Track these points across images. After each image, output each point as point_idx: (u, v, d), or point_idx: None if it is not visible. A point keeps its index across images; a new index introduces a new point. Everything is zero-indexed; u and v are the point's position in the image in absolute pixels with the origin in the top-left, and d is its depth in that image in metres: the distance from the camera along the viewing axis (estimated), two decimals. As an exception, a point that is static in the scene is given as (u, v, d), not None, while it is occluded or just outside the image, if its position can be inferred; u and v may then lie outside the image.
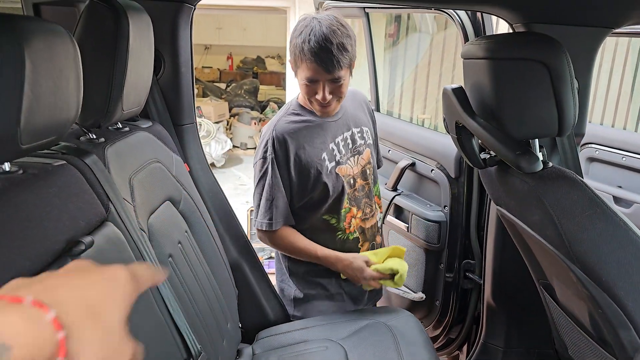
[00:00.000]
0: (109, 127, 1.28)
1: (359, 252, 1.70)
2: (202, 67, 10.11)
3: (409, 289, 2.15)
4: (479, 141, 1.35)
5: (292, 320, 1.70)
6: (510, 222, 1.42)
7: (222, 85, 9.24)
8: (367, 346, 1.43)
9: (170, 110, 1.57)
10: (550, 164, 1.18)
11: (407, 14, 3.92)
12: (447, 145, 1.93)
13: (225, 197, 1.70)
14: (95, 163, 1.01)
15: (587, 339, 1.33)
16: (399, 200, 2.10)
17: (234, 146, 7.35)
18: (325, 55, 1.42)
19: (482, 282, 1.87)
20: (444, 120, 1.36)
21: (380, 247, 1.79)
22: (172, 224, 1.32)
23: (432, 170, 1.98)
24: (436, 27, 3.87)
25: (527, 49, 1.12)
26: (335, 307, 1.71)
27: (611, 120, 3.38)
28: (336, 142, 1.63)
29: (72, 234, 0.81)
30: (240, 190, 5.97)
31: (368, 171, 1.72)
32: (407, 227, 2.06)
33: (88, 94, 1.05)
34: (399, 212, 2.13)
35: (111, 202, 0.99)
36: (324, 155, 1.59)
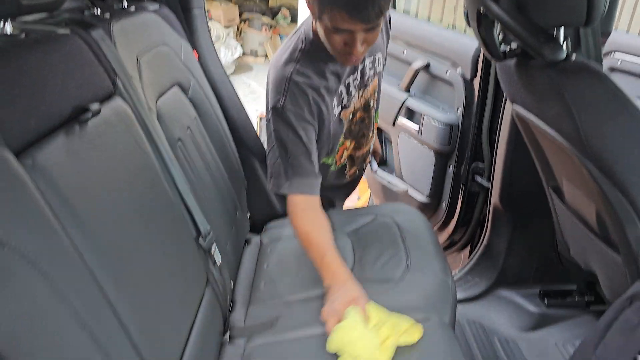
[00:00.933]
0: (114, 5, 1.23)
1: (345, 175, 1.64)
2: (212, -32, 9.66)
3: (393, 182, 2.17)
4: (499, 33, 1.28)
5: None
6: (525, 121, 1.39)
7: (232, -12, 8.85)
8: (373, 239, 1.46)
9: (178, -8, 1.50)
10: (574, 56, 1.13)
11: None
12: (464, 44, 1.85)
13: (234, 88, 1.67)
14: (101, 37, 0.98)
15: (592, 239, 1.35)
16: (411, 103, 2.06)
17: (244, 53, 7.16)
18: (363, 7, 1.11)
19: (490, 185, 1.87)
20: (465, 10, 1.29)
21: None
22: (181, 109, 1.30)
23: (447, 71, 1.91)
24: None
25: None
26: None
27: (638, 28, 3.23)
28: (346, 83, 1.41)
29: (79, 101, 0.80)
30: (250, 98, 5.89)
31: (372, 102, 1.56)
32: (418, 130, 2.03)
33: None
34: (411, 115, 2.10)
35: (118, 77, 0.97)
36: (334, 102, 1.39)
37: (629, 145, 1.03)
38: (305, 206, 1.30)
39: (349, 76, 1.41)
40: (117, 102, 0.93)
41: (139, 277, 0.80)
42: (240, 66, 6.92)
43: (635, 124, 1.03)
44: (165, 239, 0.94)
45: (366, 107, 1.55)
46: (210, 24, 6.41)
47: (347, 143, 1.56)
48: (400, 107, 2.09)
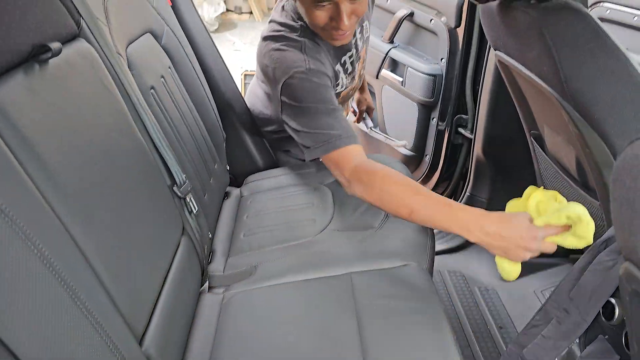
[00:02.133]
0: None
1: None
2: None
3: (391, 138, 2.16)
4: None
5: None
6: (507, 68, 1.37)
7: (215, -57, 8.56)
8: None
9: None
10: (557, -4, 1.10)
11: None
12: (449, -9, 1.81)
13: (211, 38, 1.62)
14: (62, -26, 0.93)
15: (571, 185, 1.35)
16: (395, 54, 2.02)
17: (227, 9, 6.98)
18: None
19: (473, 137, 1.86)
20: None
21: None
22: (154, 57, 1.26)
23: (432, 20, 1.87)
24: None
25: None
26: None
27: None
28: (342, 61, 1.33)
29: (39, 38, 0.76)
30: (234, 55, 5.78)
31: (361, 72, 1.50)
32: (402, 81, 2.00)
33: None
34: (394, 66, 2.06)
35: (82, 18, 0.93)
36: (333, 82, 1.29)
37: (606, 84, 1.02)
38: (365, 162, 1.10)
39: (345, 54, 1.32)
40: (81, 44, 0.89)
41: (109, 222, 0.78)
42: (224, 23, 6.76)
43: (614, 62, 1.02)
44: (137, 184, 0.92)
45: (357, 82, 1.51)
46: (192, -21, 6.20)
47: None
48: (384, 58, 2.05)
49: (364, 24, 1.41)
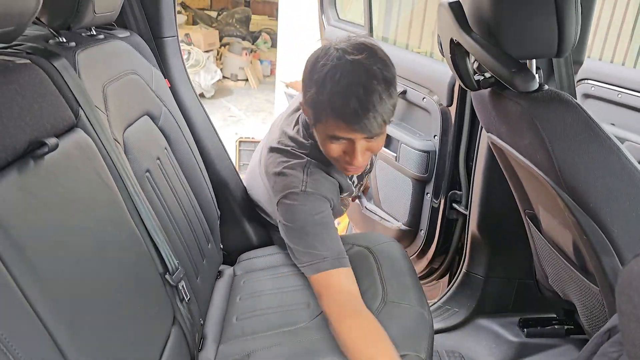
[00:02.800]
0: (82, 33, 1.20)
1: None
2: (193, -7, 9.71)
3: (387, 218, 2.15)
4: (473, 62, 1.29)
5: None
6: (500, 150, 1.39)
7: (213, 14, 8.90)
8: (349, 270, 1.42)
9: (149, 21, 1.48)
10: (546, 87, 1.13)
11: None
12: (440, 71, 1.86)
13: (208, 117, 1.64)
14: (64, 66, 0.94)
15: (569, 267, 1.34)
16: (388, 129, 2.05)
17: (224, 77, 7.16)
18: (364, 116, 1.03)
19: (467, 213, 1.86)
20: (438, 39, 1.29)
21: None
22: (151, 139, 1.27)
23: (424, 98, 1.92)
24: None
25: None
26: None
27: (610, 56, 3.30)
28: (352, 179, 1.41)
29: (36, 134, 0.76)
30: (230, 121, 5.88)
31: (365, 171, 1.54)
32: (395, 157, 2.02)
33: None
34: (388, 142, 2.09)
35: (81, 108, 0.94)
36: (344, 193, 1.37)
37: (601, 175, 1.03)
38: (350, 295, 1.15)
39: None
40: (78, 134, 0.89)
41: (97, 324, 0.76)
42: (220, 90, 6.92)
43: (606, 153, 1.03)
44: (128, 278, 0.90)
45: (360, 179, 1.53)
46: (190, 48, 6.42)
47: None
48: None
49: None
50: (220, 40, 7.82)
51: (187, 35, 6.53)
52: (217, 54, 7.44)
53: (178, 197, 1.29)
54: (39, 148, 0.75)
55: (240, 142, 4.16)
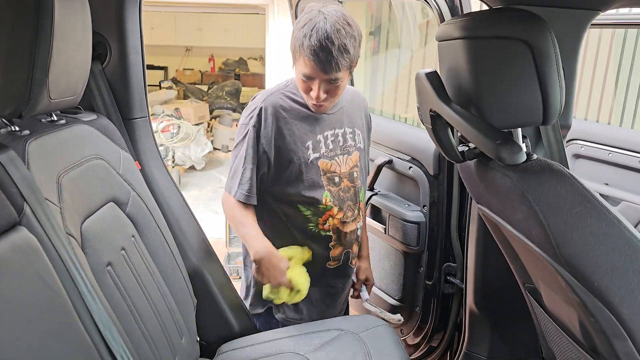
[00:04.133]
0: (41, 120, 1.14)
1: (328, 252, 1.60)
2: (184, 69, 9.94)
3: (385, 312, 2.00)
4: (457, 132, 1.22)
5: (259, 332, 1.56)
6: (493, 222, 1.30)
7: (204, 87, 9.08)
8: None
9: (118, 102, 1.43)
10: (535, 156, 1.06)
11: (387, 25, 3.79)
12: (426, 140, 1.81)
13: (184, 198, 1.56)
14: (10, 158, 0.87)
15: (577, 348, 1.21)
16: (376, 200, 1.98)
17: (214, 148, 7.18)
18: (324, 56, 1.35)
19: (464, 286, 1.74)
20: (418, 109, 1.23)
21: (354, 256, 1.67)
22: (115, 228, 1.18)
23: (410, 167, 1.85)
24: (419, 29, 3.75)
25: (507, 26, 1.00)
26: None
27: (595, 115, 3.29)
28: (325, 135, 1.56)
29: (-38, 240, 0.67)
30: (220, 192, 5.81)
31: (355, 174, 1.64)
32: (385, 229, 1.93)
33: (6, 77, 0.91)
34: (376, 213, 2.01)
35: (27, 202, 0.85)
36: (309, 144, 1.53)
37: (604, 251, 0.93)
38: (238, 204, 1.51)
39: (329, 130, 1.56)
40: (20, 234, 0.80)
41: None
42: (211, 161, 6.91)
43: (607, 227, 0.94)
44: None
45: (351, 178, 1.62)
46: (180, 122, 6.44)
47: (334, 210, 1.57)
48: (365, 205, 2.00)
49: (356, 130, 1.64)
50: (211, 112, 7.92)
51: (177, 109, 6.59)
52: (208, 126, 7.50)
53: (145, 290, 1.18)
54: (-36, 256, 0.66)
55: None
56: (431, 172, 1.78)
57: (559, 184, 0.97)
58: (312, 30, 1.35)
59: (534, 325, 1.49)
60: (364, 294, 1.85)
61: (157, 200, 1.42)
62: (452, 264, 1.80)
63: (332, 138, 1.58)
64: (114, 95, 1.42)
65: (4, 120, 0.99)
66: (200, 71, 9.99)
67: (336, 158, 1.59)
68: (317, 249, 1.59)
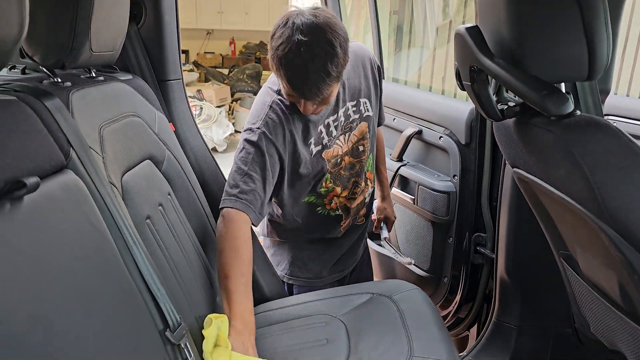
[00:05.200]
0: (81, 75, 1.15)
1: (339, 228, 1.60)
2: (205, 52, 9.95)
3: (399, 253, 2.03)
4: (494, 92, 1.20)
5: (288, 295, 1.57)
6: (529, 186, 1.28)
7: (225, 71, 9.08)
8: (370, 322, 1.30)
9: (153, 63, 1.43)
10: (578, 112, 1.03)
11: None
12: (457, 109, 1.78)
13: (215, 161, 1.57)
14: (56, 106, 0.88)
15: (615, 312, 1.20)
16: (405, 171, 1.96)
17: (236, 131, 7.20)
18: (302, 87, 1.21)
19: (494, 256, 1.73)
20: (455, 68, 1.21)
21: (363, 220, 1.68)
22: (152, 184, 1.19)
23: (441, 137, 1.83)
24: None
25: (553, -24, 0.97)
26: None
27: (625, 89, 3.19)
28: (326, 123, 1.43)
29: (14, 174, 0.68)
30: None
31: (360, 147, 1.54)
32: (414, 200, 1.92)
33: (50, 28, 0.92)
34: (405, 184, 1.99)
35: (73, 148, 0.86)
36: (312, 139, 1.41)
37: None
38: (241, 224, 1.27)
39: (328, 117, 1.43)
40: (67, 176, 0.81)
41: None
42: (233, 143, 6.93)
43: None
44: (122, 336, 0.79)
45: (355, 153, 1.53)
46: (202, 104, 6.46)
47: (338, 190, 1.52)
48: (394, 176, 1.99)
49: (361, 100, 1.50)
50: (232, 95, 7.94)
51: (199, 91, 6.62)
52: (229, 109, 7.52)
53: (182, 246, 1.19)
54: (17, 190, 0.66)
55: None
56: (462, 141, 1.75)
57: (605, 137, 0.95)
58: (287, 48, 1.17)
59: (565, 294, 1.47)
60: (384, 231, 1.88)
61: (190, 162, 1.43)
62: (482, 234, 1.78)
63: (334, 122, 1.45)
64: (148, 57, 1.42)
65: (46, 70, 1.00)
66: (221, 54, 9.99)
67: (338, 140, 1.48)
68: (327, 227, 1.57)
